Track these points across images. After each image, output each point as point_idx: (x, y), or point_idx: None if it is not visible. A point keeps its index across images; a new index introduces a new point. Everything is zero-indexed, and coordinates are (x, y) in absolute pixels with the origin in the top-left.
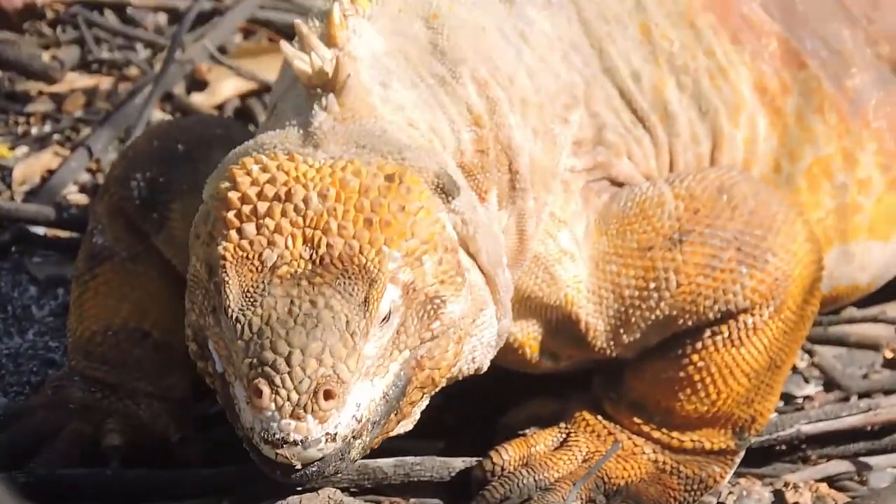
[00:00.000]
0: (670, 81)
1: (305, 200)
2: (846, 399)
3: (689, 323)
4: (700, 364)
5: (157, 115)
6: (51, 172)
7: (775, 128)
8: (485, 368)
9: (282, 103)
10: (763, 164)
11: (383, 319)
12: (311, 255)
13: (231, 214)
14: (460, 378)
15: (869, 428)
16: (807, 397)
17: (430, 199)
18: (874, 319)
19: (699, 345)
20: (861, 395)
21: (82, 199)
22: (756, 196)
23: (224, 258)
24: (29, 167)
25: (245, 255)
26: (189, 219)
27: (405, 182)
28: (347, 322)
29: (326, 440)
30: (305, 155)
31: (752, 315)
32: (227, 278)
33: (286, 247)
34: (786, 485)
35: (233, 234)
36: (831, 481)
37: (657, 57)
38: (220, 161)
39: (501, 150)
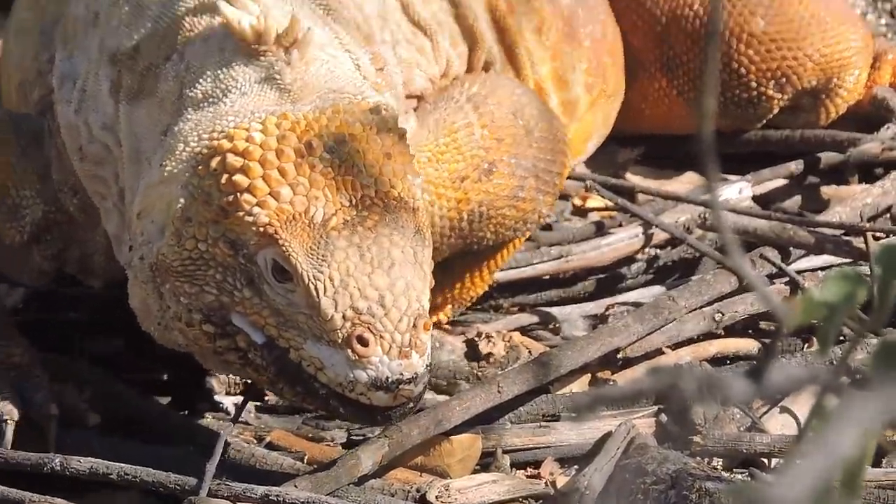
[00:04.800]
0: None
1: (328, 150)
2: (537, 247)
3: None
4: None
5: None
6: None
7: (503, 45)
8: None
9: (172, 65)
10: None
11: None
12: (351, 201)
13: (258, 183)
14: None
15: (560, 276)
16: None
17: None
18: None
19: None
20: (552, 244)
21: None
22: (542, 116)
23: (271, 225)
24: None
25: (290, 216)
26: None
27: (386, 112)
28: (415, 253)
29: (428, 371)
30: (296, 111)
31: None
32: (284, 242)
33: (327, 198)
34: (478, 335)
35: (269, 200)
36: (525, 330)
37: None
38: None
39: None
